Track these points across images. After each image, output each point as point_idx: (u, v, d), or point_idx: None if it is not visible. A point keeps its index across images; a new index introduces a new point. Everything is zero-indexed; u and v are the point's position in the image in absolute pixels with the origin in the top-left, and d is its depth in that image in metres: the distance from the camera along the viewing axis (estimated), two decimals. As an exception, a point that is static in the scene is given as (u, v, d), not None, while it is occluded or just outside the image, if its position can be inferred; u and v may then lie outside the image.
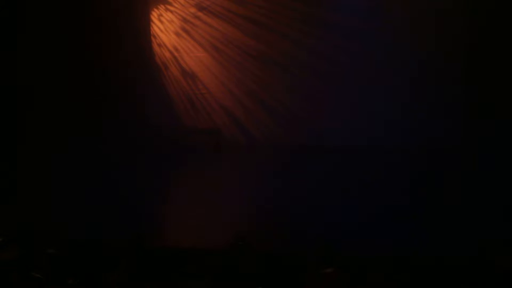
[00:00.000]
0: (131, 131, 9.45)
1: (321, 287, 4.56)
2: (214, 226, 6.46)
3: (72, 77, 8.79)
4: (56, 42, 8.51)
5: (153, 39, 10.26)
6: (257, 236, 5.69)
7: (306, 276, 4.71)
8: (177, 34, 10.19)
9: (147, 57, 10.19)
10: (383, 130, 9.17)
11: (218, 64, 10.10)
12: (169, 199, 7.82)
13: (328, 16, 9.55)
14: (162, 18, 10.20)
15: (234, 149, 9.92)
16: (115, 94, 9.36)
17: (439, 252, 5.50)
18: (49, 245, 5.15)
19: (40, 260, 4.93)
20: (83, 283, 4.67)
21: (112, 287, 4.70)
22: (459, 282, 4.82)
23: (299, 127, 9.76)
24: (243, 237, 5.32)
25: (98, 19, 9.08)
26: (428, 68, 9.11)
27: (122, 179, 8.01)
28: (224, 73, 10.10)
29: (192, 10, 10.06)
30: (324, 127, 9.58)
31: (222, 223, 6.50)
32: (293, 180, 8.09)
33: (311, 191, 7.59)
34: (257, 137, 10.05)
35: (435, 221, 6.41)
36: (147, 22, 10.18)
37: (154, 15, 10.22)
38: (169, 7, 10.15)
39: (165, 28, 10.21)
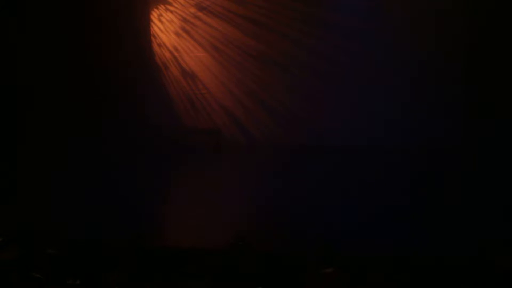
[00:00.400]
0: (131, 131, 9.44)
1: (321, 287, 4.56)
2: (214, 226, 6.46)
3: (72, 77, 8.78)
4: (56, 42, 8.51)
5: (153, 39, 10.26)
6: (257, 236, 5.69)
7: (306, 276, 4.71)
8: (177, 34, 10.19)
9: (147, 57, 10.19)
10: (383, 130, 9.17)
11: (218, 64, 10.10)
12: (169, 199, 7.82)
13: (328, 16, 9.55)
14: (162, 18, 10.20)
15: (234, 149, 9.92)
16: (115, 94, 9.36)
17: (439, 252, 5.50)
18: (49, 245, 5.15)
19: (40, 260, 4.93)
20: (83, 283, 4.67)
21: (112, 287, 4.70)
22: (459, 282, 4.82)
23: (299, 127, 9.76)
24: (243, 237, 5.32)
25: (98, 19, 9.07)
26: (428, 68, 9.12)
27: (122, 179, 8.01)
28: (224, 73, 10.10)
29: (192, 10, 10.06)
30: (324, 127, 9.59)
31: (222, 223, 6.50)
32: (293, 180, 8.09)
33: (311, 191, 7.59)
34: (257, 137, 10.05)
35: (435, 221, 6.41)
36: (147, 22, 10.18)
37: (154, 15, 10.22)
38: (169, 7, 10.15)
39: (165, 28, 10.21)
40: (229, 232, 5.55)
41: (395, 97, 9.26)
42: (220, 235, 5.77)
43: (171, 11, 10.15)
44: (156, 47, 10.29)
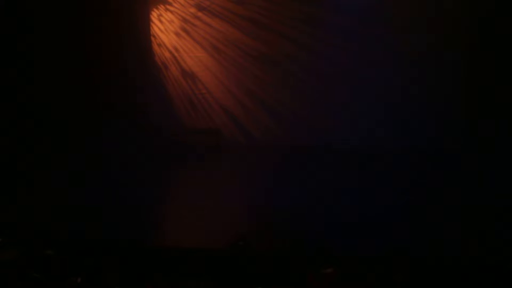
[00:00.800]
0: (131, 131, 9.44)
1: (321, 287, 4.55)
2: (214, 226, 6.45)
3: (72, 77, 8.78)
4: (56, 42, 8.50)
5: (153, 39, 10.27)
6: (257, 236, 5.69)
7: (306, 276, 4.71)
8: (177, 34, 10.20)
9: (147, 57, 10.20)
10: (383, 130, 9.18)
11: (218, 64, 10.11)
12: (169, 199, 7.82)
13: (328, 16, 9.55)
14: (162, 18, 10.21)
15: (234, 149, 9.92)
16: (115, 94, 9.36)
17: (439, 252, 5.49)
18: (49, 245, 5.15)
19: (39, 260, 4.93)
20: (83, 283, 4.67)
21: (112, 287, 4.70)
22: (459, 282, 4.82)
23: (299, 127, 9.77)
24: (243, 237, 5.31)
25: (98, 19, 9.08)
26: (428, 68, 9.12)
27: (122, 179, 8.01)
28: (224, 73, 10.11)
29: (192, 10, 10.07)
30: (324, 127, 9.59)
31: (222, 223, 6.49)
32: (293, 180, 8.08)
33: (311, 191, 7.58)
34: (257, 137, 10.06)
35: (435, 221, 6.41)
36: (147, 22, 10.19)
37: (154, 15, 10.23)
38: (169, 7, 10.15)
39: (165, 28, 10.22)
40: (229, 232, 5.55)
41: (395, 97, 9.27)
42: (220, 235, 5.76)
43: (171, 11, 10.15)
44: (156, 47, 10.29)
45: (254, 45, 9.90)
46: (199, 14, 10.05)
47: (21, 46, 7.98)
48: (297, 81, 9.79)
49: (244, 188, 7.89)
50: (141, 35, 10.07)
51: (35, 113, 8.22)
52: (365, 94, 9.42)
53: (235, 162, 9.39)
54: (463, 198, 7.06)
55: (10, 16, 7.79)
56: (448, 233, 6.04)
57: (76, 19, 8.75)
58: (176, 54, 10.25)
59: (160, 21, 10.23)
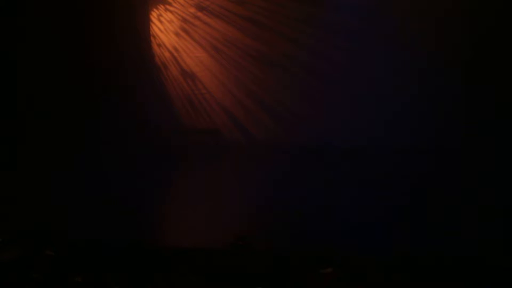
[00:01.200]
0: (131, 131, 9.44)
1: (321, 287, 4.55)
2: (214, 226, 6.45)
3: (72, 78, 8.77)
4: (56, 42, 8.49)
5: (152, 39, 10.27)
6: (257, 236, 5.69)
7: (306, 276, 4.71)
8: (176, 34, 10.20)
9: (146, 57, 10.20)
10: (383, 130, 9.18)
11: (218, 64, 10.11)
12: (169, 199, 7.82)
13: (328, 16, 9.55)
14: (161, 18, 10.21)
15: (234, 149, 9.92)
16: (115, 94, 9.36)
17: (439, 252, 5.49)
18: (49, 245, 5.15)
19: (40, 260, 4.92)
20: (83, 283, 4.66)
21: (112, 287, 4.69)
22: (459, 282, 4.82)
23: (299, 127, 9.77)
24: (243, 237, 5.31)
25: (98, 19, 9.07)
26: (428, 68, 9.12)
27: (122, 179, 8.01)
28: (224, 73, 10.11)
29: (192, 10, 10.07)
30: (324, 127, 9.60)
31: (222, 223, 6.49)
32: (293, 180, 8.08)
33: (311, 191, 7.59)
34: (257, 137, 10.06)
35: (435, 221, 6.40)
36: (147, 22, 10.19)
37: (154, 15, 10.23)
38: (168, 7, 10.15)
39: (164, 28, 10.22)
40: (229, 232, 5.55)
41: (395, 97, 9.27)
42: (220, 235, 5.76)
43: (170, 11, 10.15)
44: (155, 47, 10.30)
45: (254, 45, 9.90)
46: (199, 14, 10.05)
47: (20, 48, 7.98)
48: (297, 81, 9.79)
49: (244, 188, 7.89)
50: (140, 35, 10.07)
51: (34, 113, 8.22)
52: (365, 94, 9.42)
53: (235, 162, 9.39)
54: (463, 198, 7.06)
55: (9, 16, 7.78)
56: (448, 233, 6.03)
57: (75, 19, 8.75)
58: (176, 54, 10.25)
59: (160, 21, 10.23)
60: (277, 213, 6.82)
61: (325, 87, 9.64)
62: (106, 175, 8.15)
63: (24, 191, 7.25)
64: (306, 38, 9.68)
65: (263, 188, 7.73)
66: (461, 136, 8.83)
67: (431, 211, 6.74)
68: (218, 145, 10.06)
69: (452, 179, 7.89)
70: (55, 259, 4.93)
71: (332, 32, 9.55)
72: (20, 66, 8.04)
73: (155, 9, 10.22)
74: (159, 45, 10.29)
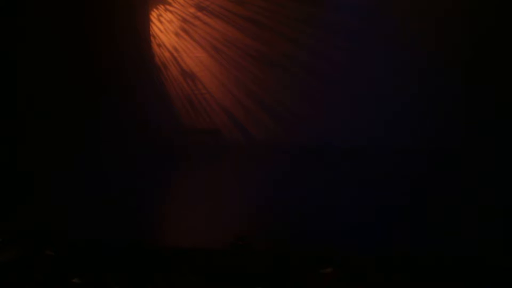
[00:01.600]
0: (131, 131, 9.44)
1: (321, 287, 4.55)
2: (214, 226, 6.45)
3: (72, 78, 8.77)
4: (56, 42, 8.49)
5: (152, 39, 10.27)
6: (257, 236, 5.69)
7: (306, 276, 4.71)
8: (176, 34, 10.19)
9: (146, 57, 10.20)
10: (383, 130, 9.18)
11: (218, 65, 10.11)
12: (169, 199, 7.82)
13: (328, 16, 9.55)
14: (161, 18, 10.21)
15: (234, 149, 9.92)
16: (115, 94, 9.36)
17: (439, 252, 5.49)
18: (49, 245, 5.15)
19: (40, 260, 4.92)
20: (83, 283, 4.66)
21: (112, 287, 4.70)
22: (459, 282, 4.82)
23: (299, 127, 9.77)
24: (243, 237, 5.31)
25: (98, 19, 9.07)
26: (428, 68, 9.12)
27: (122, 179, 8.01)
28: (224, 73, 10.11)
29: (192, 10, 10.07)
30: (324, 127, 9.59)
31: (222, 223, 6.49)
32: (293, 180, 8.09)
33: (311, 191, 7.59)
34: (257, 137, 10.06)
35: (435, 221, 6.41)
36: (147, 22, 10.19)
37: (154, 15, 10.23)
38: (168, 7, 10.15)
39: (164, 28, 10.22)
40: (229, 232, 5.55)
41: (395, 97, 9.27)
42: (220, 235, 5.76)
43: (170, 11, 10.15)
44: (155, 47, 10.29)
45: (254, 45, 9.89)
46: (199, 14, 10.05)
47: (20, 48, 7.97)
48: (297, 81, 9.79)
49: (244, 188, 7.89)
50: (140, 35, 10.07)
51: (34, 113, 8.21)
52: (365, 94, 9.42)
53: (235, 162, 9.39)
54: (463, 198, 7.06)
55: (9, 16, 7.78)
56: (448, 233, 6.03)
57: (75, 19, 8.74)
58: (175, 54, 10.25)
59: (160, 21, 10.23)
60: (277, 213, 6.82)
61: (325, 87, 9.64)
62: (106, 175, 8.15)
63: (24, 191, 7.25)
64: (306, 38, 9.67)
65: (263, 188, 7.73)
66: (461, 136, 8.82)
67: (431, 211, 6.74)
68: (218, 145, 10.05)
69: (452, 179, 7.89)
70: (55, 259, 4.93)
71: (332, 32, 9.55)
72: (20, 66, 8.03)
73: (155, 9, 10.22)
74: (159, 45, 10.29)
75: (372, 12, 9.34)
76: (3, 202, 6.86)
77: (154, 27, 10.26)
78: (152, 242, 6.00)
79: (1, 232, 5.35)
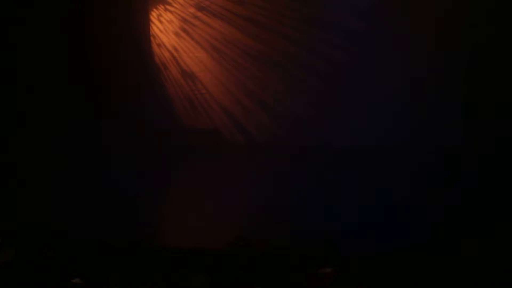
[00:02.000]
0: (131, 131, 9.44)
1: (320, 287, 4.55)
2: (214, 226, 6.45)
3: (72, 78, 8.77)
4: (56, 42, 8.49)
5: (152, 39, 10.27)
6: (257, 236, 5.68)
7: (306, 276, 4.71)
8: (176, 34, 10.20)
9: (146, 57, 10.20)
10: (383, 130, 9.18)
11: (218, 64, 10.12)
12: (169, 199, 7.82)
13: (328, 16, 9.55)
14: (161, 18, 10.21)
15: (234, 149, 9.93)
16: (115, 94, 9.36)
17: (439, 252, 5.49)
18: (49, 245, 5.14)
19: (40, 260, 4.92)
20: (83, 283, 4.66)
21: (112, 287, 4.69)
22: (459, 282, 4.82)
23: (299, 127, 9.78)
24: (243, 237, 5.31)
25: (98, 19, 9.07)
26: (428, 68, 9.13)
27: (122, 179, 8.01)
28: (224, 73, 10.12)
29: (192, 10, 10.07)
30: (324, 127, 9.61)
31: (222, 223, 6.49)
32: (293, 180, 8.09)
33: (311, 191, 7.59)
34: (257, 137, 10.07)
35: (435, 221, 6.40)
36: (147, 22, 10.19)
37: (154, 15, 10.23)
38: (168, 7, 10.16)
39: (164, 28, 10.22)
40: (229, 232, 5.55)
41: (395, 97, 9.28)
42: (220, 235, 5.76)
43: (170, 11, 10.16)
44: (155, 47, 10.30)
45: (254, 45, 9.90)
46: (199, 14, 10.05)
47: (20, 49, 7.97)
48: (297, 81, 9.79)
49: (244, 188, 7.89)
50: (140, 35, 10.07)
51: (34, 113, 8.21)
52: (365, 94, 9.42)
53: (235, 162, 9.39)
54: (463, 198, 7.06)
55: (10, 16, 7.77)
56: (448, 233, 6.03)
57: (76, 19, 8.74)
58: (175, 54, 10.26)
59: (160, 21, 10.23)
60: (277, 213, 6.82)
61: (325, 87, 9.64)
62: (107, 175, 8.15)
63: (24, 191, 7.25)
64: (306, 38, 9.68)
65: (263, 188, 7.73)
66: (461, 136, 8.83)
67: (431, 211, 6.74)
68: (218, 145, 10.06)
69: (452, 179, 7.90)
70: (55, 259, 4.92)
71: (332, 32, 9.55)
72: (20, 66, 8.03)
73: (155, 9, 10.22)
74: (159, 45, 10.29)
75: (372, 12, 9.34)
76: (3, 202, 6.85)
77: (154, 27, 10.26)
78: (152, 242, 6.00)
79: (0, 232, 5.34)
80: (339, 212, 6.80)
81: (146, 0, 10.14)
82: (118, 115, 9.30)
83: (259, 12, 9.83)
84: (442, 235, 6.01)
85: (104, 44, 9.19)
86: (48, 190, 7.37)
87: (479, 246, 5.56)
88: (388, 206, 6.88)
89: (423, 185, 7.66)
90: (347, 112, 9.52)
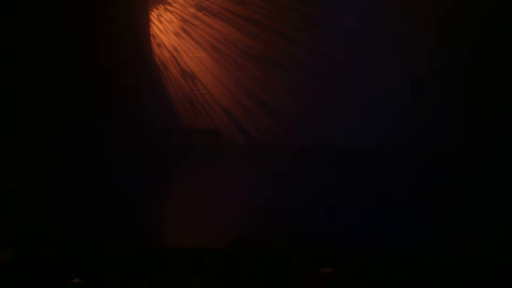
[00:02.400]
0: (131, 131, 9.44)
1: (320, 287, 4.55)
2: (214, 226, 6.45)
3: (72, 78, 8.77)
4: (56, 42, 8.49)
5: (152, 39, 10.27)
6: (257, 236, 5.69)
7: (306, 276, 4.71)
8: (176, 34, 10.20)
9: (146, 57, 10.20)
10: (383, 130, 9.18)
11: (217, 64, 10.12)
12: (169, 199, 7.82)
13: (328, 16, 9.55)
14: (161, 18, 10.21)
15: (234, 149, 9.93)
16: (115, 94, 9.36)
17: (439, 252, 5.49)
18: (49, 245, 5.14)
19: (40, 260, 4.92)
20: (83, 283, 4.66)
21: (112, 287, 4.69)
22: (459, 282, 4.82)
23: (299, 127, 9.78)
24: (243, 237, 5.31)
25: (98, 18, 9.07)
26: (428, 68, 9.13)
27: (122, 179, 8.01)
28: (223, 73, 10.12)
29: (192, 10, 10.07)
30: (324, 127, 9.60)
31: (222, 223, 6.49)
32: (293, 180, 8.09)
33: (311, 191, 7.59)
34: (257, 137, 10.07)
35: (435, 221, 6.41)
36: (147, 22, 10.19)
37: (154, 15, 10.23)
38: (168, 7, 10.16)
39: (164, 28, 10.22)
40: (229, 232, 5.55)
41: (395, 97, 9.28)
42: (220, 235, 5.76)
43: (170, 11, 10.16)
44: (155, 47, 10.30)
45: (254, 45, 9.90)
46: (199, 14, 10.05)
47: (20, 49, 7.97)
48: (297, 81, 9.79)
49: (244, 188, 7.89)
50: (140, 35, 10.07)
51: (34, 113, 8.21)
52: (365, 94, 9.43)
53: (235, 162, 9.39)
54: (463, 198, 7.06)
55: (10, 16, 7.77)
56: (448, 233, 6.03)
57: (76, 19, 8.74)
58: (175, 54, 10.26)
59: (160, 21, 10.23)
60: (277, 213, 6.82)
61: (325, 87, 9.64)
62: (107, 175, 8.15)
63: (24, 191, 7.25)
64: (306, 38, 9.68)
65: (263, 188, 7.73)
66: (461, 136, 8.83)
67: (431, 211, 6.74)
68: (218, 145, 10.06)
69: (452, 179, 7.90)
70: (55, 259, 4.92)
71: (332, 32, 9.55)
72: (20, 66, 8.03)
73: (155, 9, 10.22)
74: (159, 45, 10.29)
75: (372, 12, 9.34)
76: (3, 202, 6.85)
77: (154, 27, 10.26)
78: (152, 242, 6.00)
79: (0, 232, 5.34)
80: (339, 212, 6.80)
81: (146, 0, 10.13)
82: (118, 115, 9.29)
83: (259, 12, 9.83)
84: (442, 235, 6.01)
85: (104, 44, 9.19)
86: (48, 190, 7.37)
87: (479, 246, 5.56)
88: (388, 206, 6.88)
89: (423, 185, 7.66)
90: (347, 112, 9.52)
